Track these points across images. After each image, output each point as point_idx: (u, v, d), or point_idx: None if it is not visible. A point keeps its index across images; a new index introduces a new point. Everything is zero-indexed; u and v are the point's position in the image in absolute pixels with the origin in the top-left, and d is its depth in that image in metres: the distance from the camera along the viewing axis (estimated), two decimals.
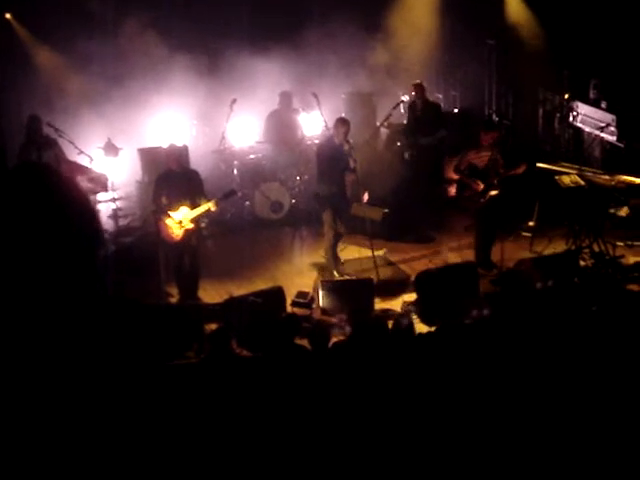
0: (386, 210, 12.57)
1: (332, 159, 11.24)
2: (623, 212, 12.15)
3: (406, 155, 14.37)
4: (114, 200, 13.48)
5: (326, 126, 13.91)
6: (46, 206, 5.99)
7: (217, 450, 6.48)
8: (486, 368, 7.20)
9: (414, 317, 10.25)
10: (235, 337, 9.27)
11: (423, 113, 14.03)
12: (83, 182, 12.06)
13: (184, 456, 6.44)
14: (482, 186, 11.30)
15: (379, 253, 12.06)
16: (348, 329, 9.23)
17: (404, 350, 7.70)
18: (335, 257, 11.64)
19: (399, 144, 15.03)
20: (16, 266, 6.08)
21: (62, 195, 6.05)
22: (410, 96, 14.51)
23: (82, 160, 12.73)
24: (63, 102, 15.43)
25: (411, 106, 14.30)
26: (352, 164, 11.16)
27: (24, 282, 6.15)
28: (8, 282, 6.13)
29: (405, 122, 15.08)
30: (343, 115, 13.50)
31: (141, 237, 12.65)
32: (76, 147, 12.75)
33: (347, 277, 11.45)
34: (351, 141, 11.38)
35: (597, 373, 7.24)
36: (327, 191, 11.34)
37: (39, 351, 6.29)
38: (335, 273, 11.52)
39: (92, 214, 6.42)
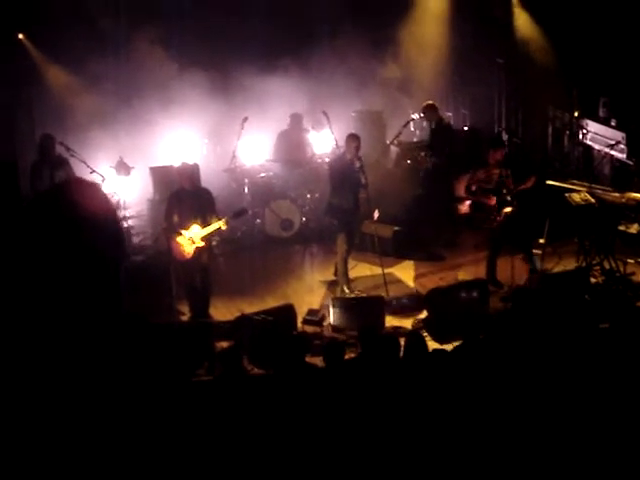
0: (396, 228, 12.64)
1: (344, 175, 11.30)
2: (633, 229, 12.14)
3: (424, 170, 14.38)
4: (126, 218, 13.54)
5: (336, 144, 13.97)
6: (67, 229, 6.02)
7: (231, 467, 6.49)
8: (498, 386, 7.22)
9: (425, 335, 10.27)
10: (246, 355, 9.30)
11: (436, 133, 14.06)
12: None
13: (197, 474, 6.45)
14: (494, 200, 11.32)
15: (397, 272, 12.13)
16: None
17: (418, 367, 7.72)
18: (346, 274, 11.66)
19: (409, 162, 15.07)
20: (40, 286, 6.12)
21: (83, 213, 6.07)
22: (421, 115, 14.51)
23: (94, 179, 12.76)
24: (75, 121, 15.51)
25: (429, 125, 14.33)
26: (363, 181, 11.22)
27: (49, 300, 6.19)
28: (31, 300, 6.17)
29: (416, 139, 15.12)
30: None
31: (153, 255, 12.69)
32: (88, 166, 12.82)
33: (358, 294, 11.47)
34: (362, 158, 11.45)
35: (608, 390, 7.24)
36: (339, 207, 11.38)
37: (55, 366, 6.33)
38: (346, 290, 11.54)
39: (118, 226, 6.43)
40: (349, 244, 11.53)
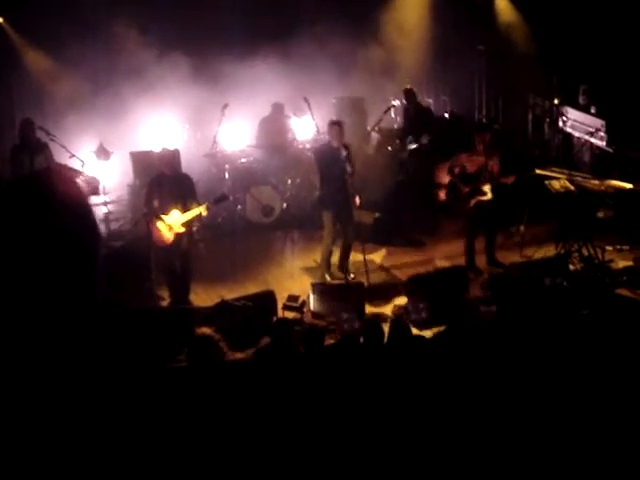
0: (377, 215, 12.65)
1: (329, 163, 11.20)
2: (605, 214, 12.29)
3: (403, 157, 14.43)
4: (106, 204, 13.52)
5: (318, 130, 13.97)
6: (46, 216, 6.01)
7: (211, 452, 6.50)
8: (480, 373, 7.25)
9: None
10: (227, 340, 9.29)
11: (416, 118, 14.09)
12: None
13: (178, 458, 6.45)
14: (467, 188, 11.35)
15: (377, 258, 12.15)
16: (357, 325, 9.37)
17: (403, 353, 7.74)
18: (328, 261, 11.65)
19: (390, 148, 15.10)
20: (17, 274, 6.11)
21: (61, 202, 6.07)
22: (401, 101, 14.56)
23: (74, 164, 12.73)
24: (54, 106, 15.44)
25: (406, 110, 14.33)
26: (349, 168, 11.14)
27: (26, 289, 6.19)
28: (8, 289, 6.16)
29: (397, 126, 15.15)
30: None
31: (132, 240, 12.65)
32: (68, 151, 12.75)
33: (338, 281, 11.48)
34: (349, 145, 11.41)
35: (588, 376, 7.29)
36: (327, 195, 11.34)
37: (35, 354, 6.32)
38: (327, 277, 11.55)
39: (91, 215, 6.45)
40: (347, 235, 11.50)
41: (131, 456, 6.42)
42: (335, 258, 11.73)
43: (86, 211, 6.50)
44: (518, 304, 9.58)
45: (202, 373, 7.48)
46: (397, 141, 14.58)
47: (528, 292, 9.94)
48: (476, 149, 11.45)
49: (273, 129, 14.62)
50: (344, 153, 11.09)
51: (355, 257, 11.82)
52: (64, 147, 12.76)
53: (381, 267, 12.14)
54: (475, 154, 11.45)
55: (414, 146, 14.02)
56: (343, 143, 11.14)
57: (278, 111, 14.82)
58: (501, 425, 6.70)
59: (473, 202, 11.37)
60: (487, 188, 11.36)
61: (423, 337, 8.55)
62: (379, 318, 10.36)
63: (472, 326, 8.41)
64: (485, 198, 11.38)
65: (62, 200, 6.83)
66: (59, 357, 6.93)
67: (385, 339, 7.90)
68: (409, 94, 14.21)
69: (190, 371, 7.69)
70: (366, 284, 11.18)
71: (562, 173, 11.86)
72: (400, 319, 9.21)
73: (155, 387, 7.31)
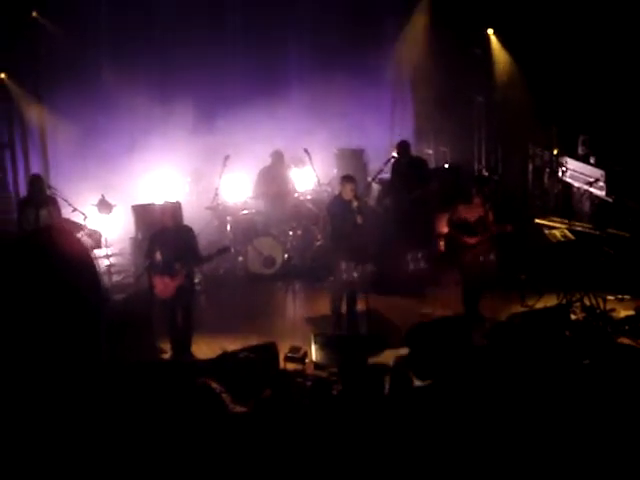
0: (374, 268, 12.66)
1: (340, 216, 11.30)
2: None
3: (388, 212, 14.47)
4: (108, 256, 13.56)
5: (318, 181, 14.06)
6: (49, 273, 6.02)
7: None
8: (480, 421, 7.23)
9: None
10: (229, 392, 9.27)
11: (409, 170, 14.10)
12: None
13: None
14: (473, 241, 11.38)
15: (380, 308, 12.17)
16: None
17: (405, 404, 7.72)
18: (338, 313, 11.65)
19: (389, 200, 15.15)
20: (19, 333, 6.11)
21: (64, 259, 6.09)
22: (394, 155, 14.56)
23: (76, 218, 12.80)
24: (56, 160, 15.58)
25: (395, 164, 14.33)
26: (359, 220, 11.20)
27: (28, 348, 6.18)
28: (10, 348, 6.15)
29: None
30: (336, 170, 13.64)
31: (134, 293, 12.66)
32: (70, 204, 12.84)
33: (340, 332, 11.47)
34: (360, 197, 11.50)
35: (589, 425, 7.26)
36: (338, 246, 11.39)
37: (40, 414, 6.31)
38: (335, 327, 11.55)
39: (95, 270, 6.46)
40: (353, 286, 11.50)
41: None
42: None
43: (89, 267, 6.51)
44: (519, 353, 9.55)
45: (204, 424, 7.47)
46: (386, 200, 14.60)
47: (529, 341, 9.93)
48: (473, 200, 11.52)
49: (273, 179, 14.67)
50: (355, 204, 11.16)
51: (358, 307, 11.80)
52: (66, 201, 12.85)
53: (383, 317, 12.11)
54: (473, 205, 11.51)
55: (419, 194, 13.97)
56: (355, 196, 11.22)
57: (278, 160, 14.86)
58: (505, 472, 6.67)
59: (474, 252, 11.40)
60: (485, 239, 11.41)
61: (424, 387, 8.54)
62: (381, 369, 10.37)
63: (467, 376, 8.37)
64: (484, 248, 11.42)
65: (64, 256, 6.84)
66: (64, 416, 6.92)
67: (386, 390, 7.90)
68: (402, 147, 14.22)
69: (192, 422, 7.67)
70: (368, 334, 11.17)
71: (562, 223, 11.91)
72: (400, 369, 9.21)
73: (160, 440, 7.29)
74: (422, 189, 13.93)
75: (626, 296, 11.91)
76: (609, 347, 10.18)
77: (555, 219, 12.17)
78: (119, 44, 16.13)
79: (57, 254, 6.53)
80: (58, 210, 12.62)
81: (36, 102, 15.75)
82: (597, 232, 11.67)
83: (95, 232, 13.01)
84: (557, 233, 11.60)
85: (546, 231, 11.67)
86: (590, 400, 7.56)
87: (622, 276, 12.25)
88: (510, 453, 6.93)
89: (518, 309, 11.75)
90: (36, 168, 15.36)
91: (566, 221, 11.95)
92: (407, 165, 14.12)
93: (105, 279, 13.23)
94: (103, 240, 13.21)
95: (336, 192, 12.16)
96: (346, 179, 11.43)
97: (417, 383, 9.76)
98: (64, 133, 15.70)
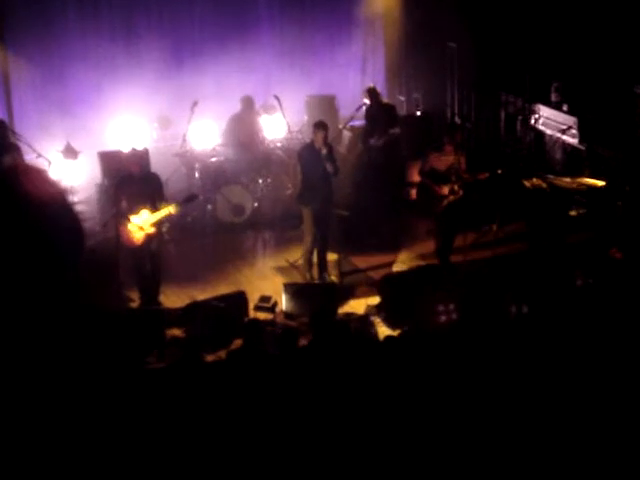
0: (347, 213, 12.55)
1: (310, 164, 11.18)
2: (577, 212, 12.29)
3: (364, 158, 14.37)
4: (74, 203, 13.32)
5: (289, 129, 13.89)
6: (14, 213, 5.89)
7: (185, 454, 6.42)
8: (453, 370, 7.20)
9: (378, 320, 10.25)
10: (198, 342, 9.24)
11: (378, 115, 14.00)
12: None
13: (152, 461, 6.36)
14: (446, 190, 11.28)
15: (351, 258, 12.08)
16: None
17: (368, 353, 7.68)
18: (310, 261, 11.54)
19: (361, 146, 15.03)
20: None
21: (30, 199, 5.95)
22: (364, 100, 14.46)
23: (41, 164, 12.58)
24: (20, 104, 15.29)
25: (368, 110, 14.25)
26: (329, 168, 11.06)
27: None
28: None
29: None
30: (307, 118, 13.48)
31: (101, 241, 12.49)
32: (34, 150, 12.62)
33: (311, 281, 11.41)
34: (332, 144, 11.37)
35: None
36: (309, 193, 11.27)
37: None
38: (307, 276, 11.47)
39: (69, 209, 6.33)
40: (323, 236, 11.41)
41: (109, 456, 6.34)
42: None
43: (60, 206, 6.36)
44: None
45: (178, 375, 7.41)
46: (359, 144, 14.49)
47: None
48: (445, 148, 11.42)
49: (244, 126, 14.47)
50: (324, 152, 11.00)
51: (328, 257, 11.73)
52: (30, 146, 12.63)
53: (354, 267, 12.04)
54: (444, 154, 11.41)
55: (381, 142, 13.86)
56: (325, 144, 11.06)
57: (248, 106, 14.65)
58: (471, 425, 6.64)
59: (446, 201, 11.30)
60: (458, 187, 11.31)
61: (393, 337, 8.51)
62: (351, 318, 10.36)
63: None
64: (457, 197, 11.33)
65: (31, 197, 6.67)
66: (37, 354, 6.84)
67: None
68: (371, 93, 14.13)
69: (171, 372, 7.61)
70: (339, 284, 11.10)
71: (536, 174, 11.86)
72: (363, 319, 9.25)
73: (132, 388, 7.23)
74: (385, 135, 13.80)
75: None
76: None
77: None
78: None
79: (21, 193, 6.36)
80: (21, 157, 12.36)
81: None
82: (569, 180, 11.62)
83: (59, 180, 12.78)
84: (528, 182, 11.55)
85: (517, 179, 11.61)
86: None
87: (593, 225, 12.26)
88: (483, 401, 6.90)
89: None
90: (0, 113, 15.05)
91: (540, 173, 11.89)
92: (376, 111, 13.99)
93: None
94: (68, 187, 12.97)
95: (307, 140, 12.02)
96: (318, 126, 11.22)
97: (387, 332, 9.82)
98: (28, 78, 15.39)
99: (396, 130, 14.01)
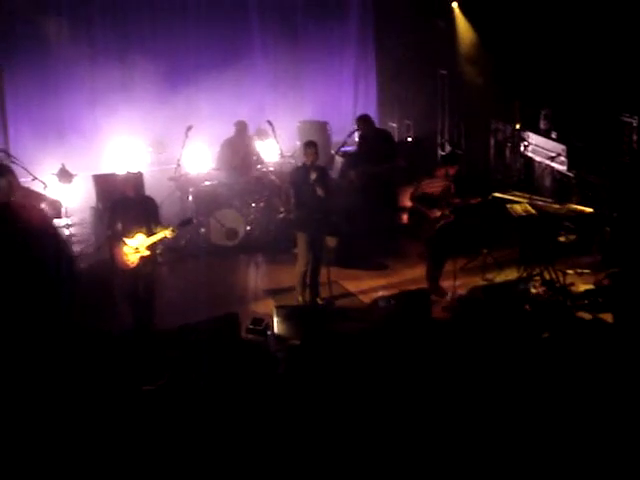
0: (335, 243, 12.69)
1: (300, 186, 11.26)
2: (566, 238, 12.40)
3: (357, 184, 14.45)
4: (68, 226, 13.45)
5: (281, 154, 14.01)
6: (8, 243, 5.95)
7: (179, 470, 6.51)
8: (439, 391, 7.30)
9: None
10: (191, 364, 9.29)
11: (375, 143, 14.08)
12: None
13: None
14: (437, 214, 11.40)
15: (342, 282, 12.18)
16: None
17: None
18: (303, 284, 11.64)
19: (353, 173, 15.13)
20: None
21: (24, 229, 6.03)
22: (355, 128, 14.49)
23: (36, 186, 12.65)
24: (17, 129, 15.39)
25: (361, 138, 14.32)
26: (319, 192, 11.16)
27: None
28: None
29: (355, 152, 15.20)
30: (299, 143, 13.57)
31: (95, 264, 12.58)
32: (30, 173, 12.68)
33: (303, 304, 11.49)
34: (323, 167, 11.52)
35: (547, 398, 7.35)
36: (300, 216, 11.37)
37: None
38: (300, 299, 11.55)
39: (58, 238, 6.42)
40: (315, 258, 11.51)
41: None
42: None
43: (51, 235, 6.45)
44: (480, 326, 9.64)
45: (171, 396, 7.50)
46: (351, 172, 14.55)
47: (490, 315, 10.02)
48: (436, 174, 11.55)
49: (237, 151, 14.59)
50: (314, 176, 11.11)
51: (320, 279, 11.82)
52: (25, 169, 12.67)
53: (345, 290, 12.14)
54: (436, 179, 11.54)
55: (383, 169, 13.93)
56: (315, 165, 11.17)
57: (242, 130, 14.76)
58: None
59: (437, 226, 11.43)
60: (449, 211, 11.45)
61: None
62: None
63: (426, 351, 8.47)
64: (448, 221, 11.45)
65: (25, 227, 6.75)
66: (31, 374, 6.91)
67: None
68: (362, 121, 14.16)
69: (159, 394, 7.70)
70: (331, 307, 11.20)
71: (523, 197, 11.97)
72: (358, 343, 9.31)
73: (127, 409, 7.31)
74: (390, 164, 13.91)
75: (586, 270, 12.02)
76: (569, 321, 10.28)
77: (516, 193, 12.20)
78: (78, 11, 15.93)
79: (16, 223, 6.45)
80: (17, 180, 12.42)
81: None
82: (558, 206, 11.72)
83: (55, 202, 12.84)
84: (518, 207, 11.65)
85: (507, 205, 11.71)
86: (549, 373, 7.65)
87: (582, 251, 12.40)
88: (466, 423, 7.01)
89: (479, 282, 11.82)
90: None
91: (527, 195, 11.99)
92: (373, 138, 14.08)
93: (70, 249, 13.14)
94: (63, 210, 13.05)
95: (299, 164, 12.12)
96: (308, 144, 11.34)
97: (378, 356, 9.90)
98: (24, 101, 15.51)
99: (401, 162, 14.12)
